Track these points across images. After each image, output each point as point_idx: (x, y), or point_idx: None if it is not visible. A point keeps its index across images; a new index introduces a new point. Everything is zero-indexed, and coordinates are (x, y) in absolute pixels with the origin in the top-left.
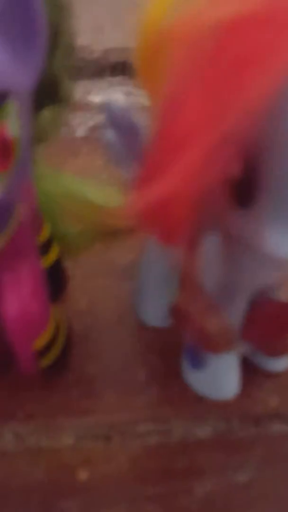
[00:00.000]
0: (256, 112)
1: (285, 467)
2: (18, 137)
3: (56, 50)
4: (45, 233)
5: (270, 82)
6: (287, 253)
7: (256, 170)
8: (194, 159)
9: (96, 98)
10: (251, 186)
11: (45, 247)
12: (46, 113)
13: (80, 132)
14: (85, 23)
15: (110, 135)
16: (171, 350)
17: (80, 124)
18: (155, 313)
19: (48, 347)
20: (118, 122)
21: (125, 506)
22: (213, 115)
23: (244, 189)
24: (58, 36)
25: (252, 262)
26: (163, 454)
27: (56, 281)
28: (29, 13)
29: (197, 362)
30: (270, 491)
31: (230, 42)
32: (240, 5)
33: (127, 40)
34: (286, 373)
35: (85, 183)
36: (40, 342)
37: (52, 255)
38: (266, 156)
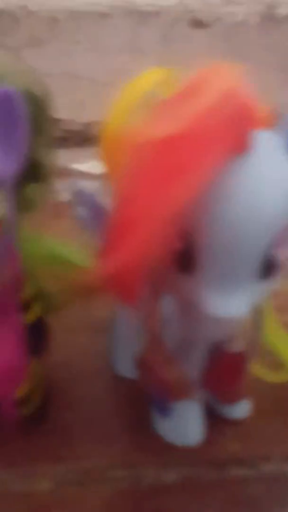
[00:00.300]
0: (186, 205)
1: (244, 508)
2: (4, 218)
3: (38, 137)
4: (28, 291)
5: (193, 185)
6: (224, 313)
7: (193, 244)
8: (142, 237)
9: (79, 166)
10: (191, 256)
11: (28, 304)
12: (30, 190)
13: (64, 197)
14: (68, 99)
15: (83, 213)
16: (143, 400)
17: (64, 190)
18: (128, 365)
19: (27, 398)
20: (86, 201)
21: None
22: (155, 205)
23: (186, 259)
24: (39, 125)
25: (203, 320)
26: (133, 497)
27: (38, 337)
28: (11, 112)
29: (164, 411)
30: None
31: (163, 153)
32: (172, 125)
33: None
34: (246, 420)
35: (66, 245)
36: (19, 393)
37: (35, 312)
38: (199, 235)
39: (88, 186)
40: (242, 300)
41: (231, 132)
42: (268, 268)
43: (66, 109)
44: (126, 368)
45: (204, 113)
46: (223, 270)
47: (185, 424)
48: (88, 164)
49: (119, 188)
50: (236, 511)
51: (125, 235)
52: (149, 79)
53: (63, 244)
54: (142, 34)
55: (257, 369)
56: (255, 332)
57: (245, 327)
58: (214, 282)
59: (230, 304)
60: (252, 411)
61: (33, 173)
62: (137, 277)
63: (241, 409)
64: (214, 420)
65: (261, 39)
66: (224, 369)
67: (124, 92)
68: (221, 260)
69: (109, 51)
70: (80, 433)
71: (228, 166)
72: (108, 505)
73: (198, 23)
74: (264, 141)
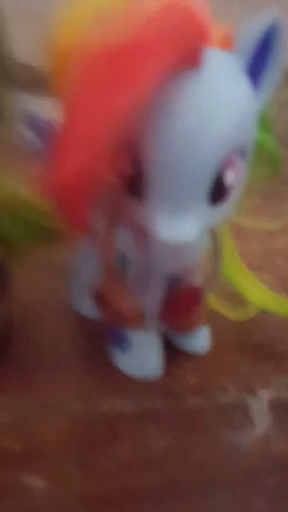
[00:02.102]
0: (132, 121)
1: (197, 435)
2: None
3: None
4: None
5: (136, 96)
6: (173, 237)
7: (141, 166)
8: (87, 149)
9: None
10: (140, 180)
11: None
12: None
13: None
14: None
15: (30, 136)
16: (102, 337)
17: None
18: (87, 305)
19: None
20: (36, 124)
21: (51, 472)
22: (98, 116)
23: (135, 183)
24: None
25: (157, 248)
26: (88, 427)
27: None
28: None
29: (122, 344)
30: (184, 454)
31: (106, 65)
32: (115, 36)
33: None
34: (205, 354)
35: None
36: None
37: None
38: (146, 156)
39: (40, 109)
40: (191, 225)
41: (176, 44)
42: (217, 191)
43: (34, 54)
44: (86, 307)
45: (146, 23)
46: (171, 193)
47: (143, 357)
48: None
49: (65, 100)
50: (192, 438)
51: (70, 147)
52: None
53: (23, 185)
54: None
55: (219, 306)
56: (213, 266)
57: (203, 261)
58: (163, 207)
59: (179, 228)
60: (212, 345)
61: None
62: (85, 195)
63: (201, 343)
64: (174, 353)
65: None
66: (181, 302)
67: (76, 7)
68: (169, 182)
69: None
70: (39, 369)
71: (176, 82)
72: (65, 435)
73: None
74: (218, 60)
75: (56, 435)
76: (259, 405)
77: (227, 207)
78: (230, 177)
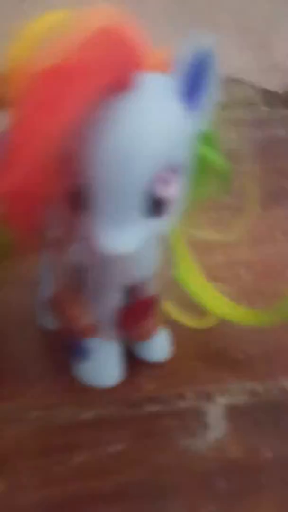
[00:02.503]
0: (68, 138)
1: (153, 440)
2: None
3: None
4: None
5: (68, 116)
6: (113, 249)
7: (81, 181)
8: (26, 162)
9: None
10: (81, 194)
11: None
12: None
13: None
14: None
15: None
16: (63, 349)
17: None
18: (50, 317)
19: None
20: None
21: (6, 478)
22: (33, 133)
23: (77, 198)
24: None
25: (107, 260)
26: (45, 434)
27: None
28: None
29: (81, 354)
30: (139, 459)
31: (42, 85)
32: (52, 59)
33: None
34: (164, 362)
35: None
36: None
37: None
38: (82, 173)
39: None
40: (131, 237)
41: (108, 68)
42: (154, 205)
43: None
44: (47, 319)
45: (80, 47)
46: (109, 208)
47: (102, 366)
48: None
49: (11, 116)
50: (148, 443)
51: (13, 161)
52: (46, 21)
53: None
54: None
55: (178, 315)
56: (167, 276)
57: (158, 271)
58: (103, 219)
59: (119, 240)
60: (172, 355)
61: None
62: (30, 208)
63: (160, 351)
64: (132, 361)
65: None
66: (135, 311)
67: (26, 30)
68: (105, 198)
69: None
70: (2, 379)
71: (109, 103)
72: (20, 442)
73: None
74: (151, 83)
75: (14, 441)
76: (215, 411)
77: (168, 219)
78: (163, 192)
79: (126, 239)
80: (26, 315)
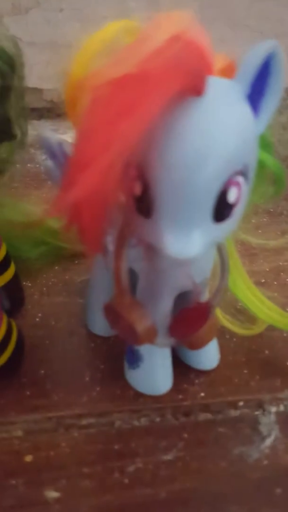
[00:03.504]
0: (139, 144)
1: (206, 448)
2: None
3: (9, 94)
4: (1, 253)
5: (142, 123)
6: (179, 254)
7: (149, 187)
8: (97, 172)
9: (63, 136)
10: (148, 200)
11: (2, 266)
12: (2, 149)
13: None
14: (51, 69)
15: (49, 163)
16: (114, 356)
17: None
18: (101, 324)
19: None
20: (53, 151)
21: (64, 482)
22: (106, 142)
23: (144, 203)
24: (11, 82)
25: (166, 265)
26: (101, 441)
27: (13, 297)
28: None
29: (134, 361)
30: (192, 467)
31: (114, 94)
32: (124, 67)
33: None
34: (214, 370)
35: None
36: None
37: (9, 273)
38: (153, 177)
39: (55, 136)
40: (197, 241)
41: (180, 73)
42: (220, 209)
43: (49, 79)
44: (101, 327)
45: (152, 54)
46: (176, 212)
47: (154, 374)
48: (71, 134)
49: (78, 130)
50: (200, 450)
51: (82, 169)
52: (112, 28)
53: (40, 211)
54: (128, 1)
55: (227, 323)
56: (221, 283)
57: (211, 278)
58: (169, 224)
59: (185, 244)
60: (221, 362)
61: (3, 131)
62: (96, 215)
63: (210, 359)
64: (183, 369)
65: None
66: (190, 318)
67: (87, 42)
68: (174, 202)
69: (94, 19)
70: (53, 386)
71: (181, 108)
72: (75, 448)
73: None
74: (220, 87)
75: (69, 448)
76: (267, 419)
77: (231, 224)
78: (232, 196)
79: (191, 244)
80: (74, 320)
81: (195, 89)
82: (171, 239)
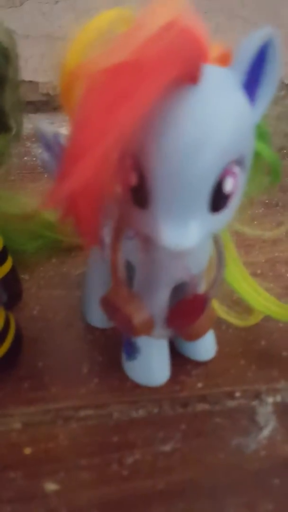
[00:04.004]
0: (134, 132)
1: (204, 439)
2: None
3: (4, 86)
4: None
5: (137, 110)
6: (176, 244)
7: (145, 177)
8: (93, 160)
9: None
10: (144, 190)
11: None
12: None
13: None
14: (46, 61)
15: (45, 155)
16: (112, 347)
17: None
18: (99, 316)
19: None
20: (49, 143)
21: (62, 474)
22: (103, 129)
23: (139, 193)
24: (6, 74)
25: (162, 257)
26: (99, 433)
27: (11, 290)
28: None
29: (132, 353)
30: (190, 458)
31: (109, 82)
32: (118, 55)
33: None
34: (212, 361)
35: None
36: None
37: (6, 266)
38: (149, 166)
39: (51, 128)
40: (193, 231)
41: (176, 61)
42: (217, 199)
43: (45, 72)
44: (97, 319)
45: (147, 42)
46: (173, 202)
47: (152, 365)
48: (67, 127)
49: (74, 118)
50: (198, 441)
51: (78, 159)
52: (106, 17)
53: (37, 204)
54: None
55: (224, 313)
56: (217, 273)
57: (207, 269)
58: (166, 214)
59: (182, 235)
60: (218, 353)
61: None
62: (92, 206)
63: (207, 350)
64: (180, 360)
65: None
66: (187, 309)
67: (82, 31)
68: (171, 192)
69: (89, 11)
70: (51, 378)
71: (176, 96)
72: (74, 440)
73: None
74: (216, 76)
75: (68, 440)
76: (265, 410)
77: (227, 214)
78: (228, 186)
79: (188, 235)
80: (71, 311)
81: (191, 76)
82: (168, 230)
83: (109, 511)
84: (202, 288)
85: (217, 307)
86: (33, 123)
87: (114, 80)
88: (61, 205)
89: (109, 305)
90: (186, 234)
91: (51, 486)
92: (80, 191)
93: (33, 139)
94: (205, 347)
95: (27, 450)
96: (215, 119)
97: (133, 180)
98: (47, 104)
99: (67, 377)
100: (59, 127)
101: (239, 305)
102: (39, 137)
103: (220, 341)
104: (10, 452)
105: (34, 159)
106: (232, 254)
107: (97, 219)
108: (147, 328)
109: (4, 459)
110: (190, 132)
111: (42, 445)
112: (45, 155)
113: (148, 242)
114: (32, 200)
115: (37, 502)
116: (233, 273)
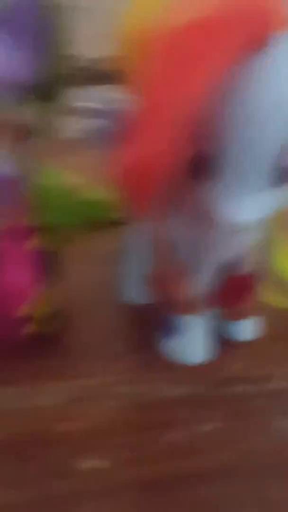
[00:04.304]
0: (205, 100)
1: (244, 420)
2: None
3: (53, 50)
4: (34, 219)
5: (209, 75)
6: (236, 218)
7: (208, 148)
8: (160, 131)
9: (90, 104)
10: (205, 162)
11: (30, 233)
12: (41, 112)
13: (78, 134)
14: (77, 33)
15: (96, 124)
16: (147, 324)
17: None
18: (136, 292)
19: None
20: (100, 114)
21: (97, 456)
22: (175, 98)
23: (200, 165)
24: (55, 44)
25: (215, 234)
26: (134, 411)
27: (48, 265)
28: (39, 20)
29: (170, 330)
30: (229, 439)
31: (179, 44)
32: (187, 17)
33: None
34: (251, 342)
35: (79, 179)
36: (24, 310)
37: (42, 240)
38: (216, 136)
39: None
40: (253, 206)
41: (246, 25)
42: (281, 174)
43: (95, 46)
44: (134, 294)
45: (218, 6)
46: (238, 173)
47: (191, 343)
48: (98, 102)
49: (139, 83)
50: (237, 423)
51: (146, 127)
52: None
53: (76, 178)
54: None
55: (267, 296)
56: (263, 255)
57: (254, 250)
58: (228, 187)
59: (242, 209)
60: (260, 334)
61: (44, 92)
62: (153, 176)
63: (248, 331)
64: (221, 340)
65: None
66: (233, 289)
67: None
68: (237, 162)
69: None
70: (85, 355)
71: (247, 64)
72: (107, 418)
73: None
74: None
75: (104, 418)
76: None
77: (285, 191)
78: None
79: (248, 209)
80: (106, 289)
81: (261, 41)
82: (229, 204)
83: (148, 491)
84: (250, 268)
85: (262, 288)
86: (82, 94)
87: (184, 46)
88: (123, 176)
89: (155, 282)
90: (245, 209)
91: (86, 464)
92: (151, 161)
93: (77, 113)
94: (248, 327)
95: (61, 427)
96: (285, 87)
97: (197, 151)
98: (95, 79)
99: (100, 353)
100: (108, 103)
101: (284, 286)
102: (89, 110)
103: (263, 322)
104: (44, 429)
105: (77, 133)
106: (279, 236)
107: (154, 192)
108: (193, 306)
109: (38, 436)
110: (262, 100)
111: (77, 423)
112: (97, 124)
113: (200, 219)
114: (73, 175)
115: (72, 480)
116: (279, 254)
